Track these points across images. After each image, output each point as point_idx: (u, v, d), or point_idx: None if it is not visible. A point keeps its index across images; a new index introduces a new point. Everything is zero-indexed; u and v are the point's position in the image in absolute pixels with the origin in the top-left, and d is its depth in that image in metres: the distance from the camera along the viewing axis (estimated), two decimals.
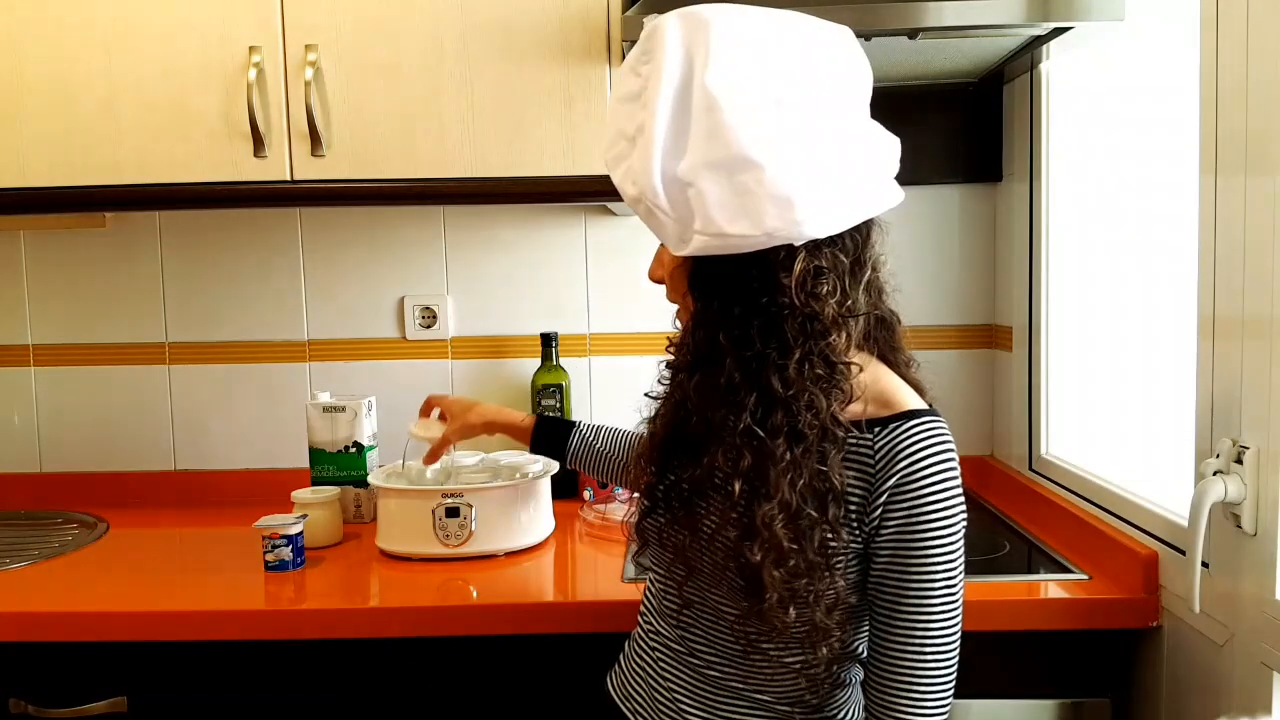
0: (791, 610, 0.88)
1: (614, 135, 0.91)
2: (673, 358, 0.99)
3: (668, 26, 0.86)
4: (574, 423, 1.40)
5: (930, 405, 0.95)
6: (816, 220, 0.83)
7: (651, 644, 1.06)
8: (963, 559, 0.90)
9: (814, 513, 0.87)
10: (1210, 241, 1.12)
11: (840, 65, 0.88)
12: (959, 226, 1.88)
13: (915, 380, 0.99)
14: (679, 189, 0.84)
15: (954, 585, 0.89)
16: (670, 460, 0.98)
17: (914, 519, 0.88)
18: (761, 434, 0.87)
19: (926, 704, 0.90)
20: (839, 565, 0.90)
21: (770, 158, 0.81)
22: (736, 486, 0.88)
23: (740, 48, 0.84)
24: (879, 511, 0.89)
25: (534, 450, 1.42)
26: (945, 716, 0.92)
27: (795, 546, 0.87)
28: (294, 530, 1.43)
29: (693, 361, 0.93)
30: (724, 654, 0.99)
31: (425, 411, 1.49)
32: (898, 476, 0.88)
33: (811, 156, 0.83)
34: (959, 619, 0.90)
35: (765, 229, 0.82)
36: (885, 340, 0.99)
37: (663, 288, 1.00)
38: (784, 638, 0.93)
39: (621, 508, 1.68)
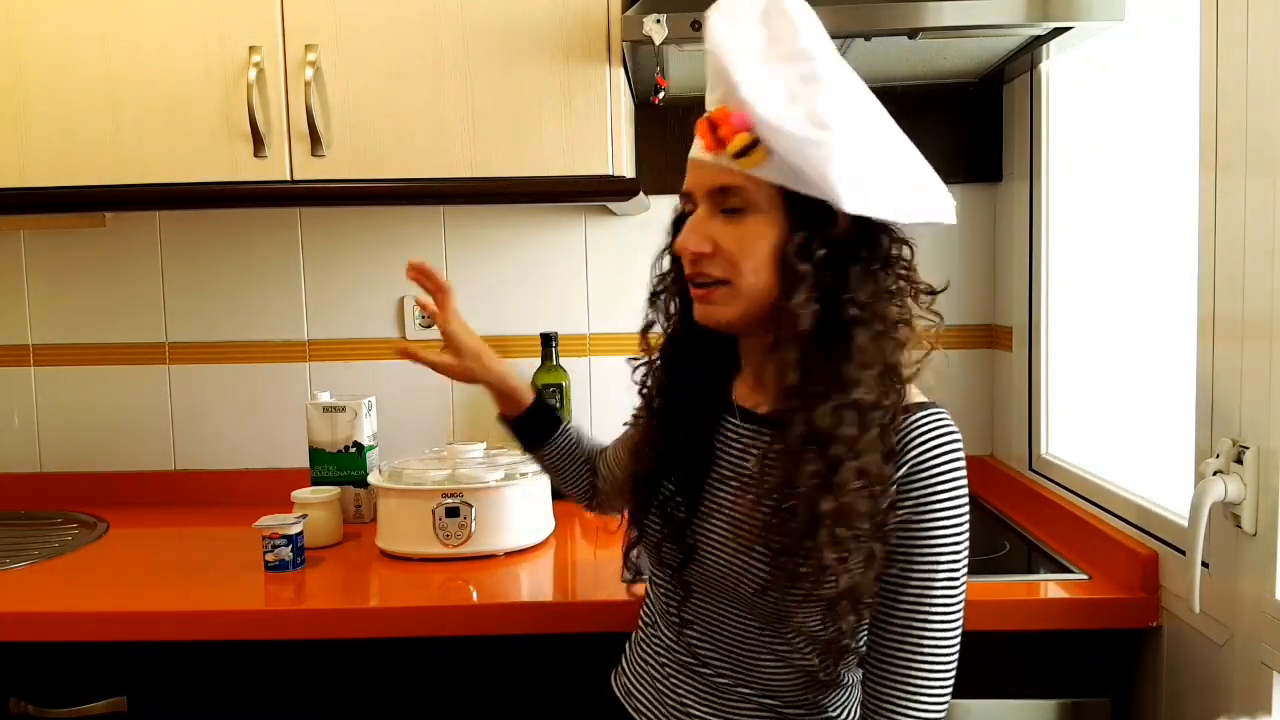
0: (830, 554, 0.88)
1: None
2: (647, 357, 1.03)
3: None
4: (563, 419, 1.30)
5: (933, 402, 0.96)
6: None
7: (655, 649, 1.07)
8: (966, 556, 0.92)
9: (877, 472, 0.89)
10: (1210, 241, 1.12)
11: None
12: (959, 226, 1.85)
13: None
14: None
15: (956, 578, 0.91)
16: (660, 480, 1.00)
17: (921, 507, 0.90)
18: (871, 401, 0.89)
19: (920, 700, 0.90)
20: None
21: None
22: (841, 451, 0.88)
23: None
24: (888, 501, 0.90)
25: (515, 424, 1.29)
26: (941, 716, 0.92)
27: (862, 510, 0.88)
28: (294, 530, 1.43)
29: (803, 335, 0.90)
30: (732, 661, 1.00)
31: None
32: (908, 466, 0.90)
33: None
34: (959, 616, 0.91)
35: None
36: None
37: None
38: (808, 607, 0.92)
39: None
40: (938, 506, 0.90)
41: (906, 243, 0.94)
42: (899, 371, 0.91)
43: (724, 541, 0.98)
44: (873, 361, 0.89)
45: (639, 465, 1.04)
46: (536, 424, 1.29)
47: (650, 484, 1.02)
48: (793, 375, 0.90)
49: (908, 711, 0.91)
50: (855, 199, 0.86)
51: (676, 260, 1.01)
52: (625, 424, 1.19)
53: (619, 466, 1.22)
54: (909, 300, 0.93)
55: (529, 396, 1.28)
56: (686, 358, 1.04)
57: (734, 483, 0.99)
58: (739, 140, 0.89)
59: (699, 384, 1.03)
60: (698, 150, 0.94)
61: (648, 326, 1.07)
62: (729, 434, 1.02)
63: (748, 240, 0.92)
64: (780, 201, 0.90)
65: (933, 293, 0.95)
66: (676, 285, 1.04)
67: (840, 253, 0.89)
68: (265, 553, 1.43)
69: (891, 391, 0.90)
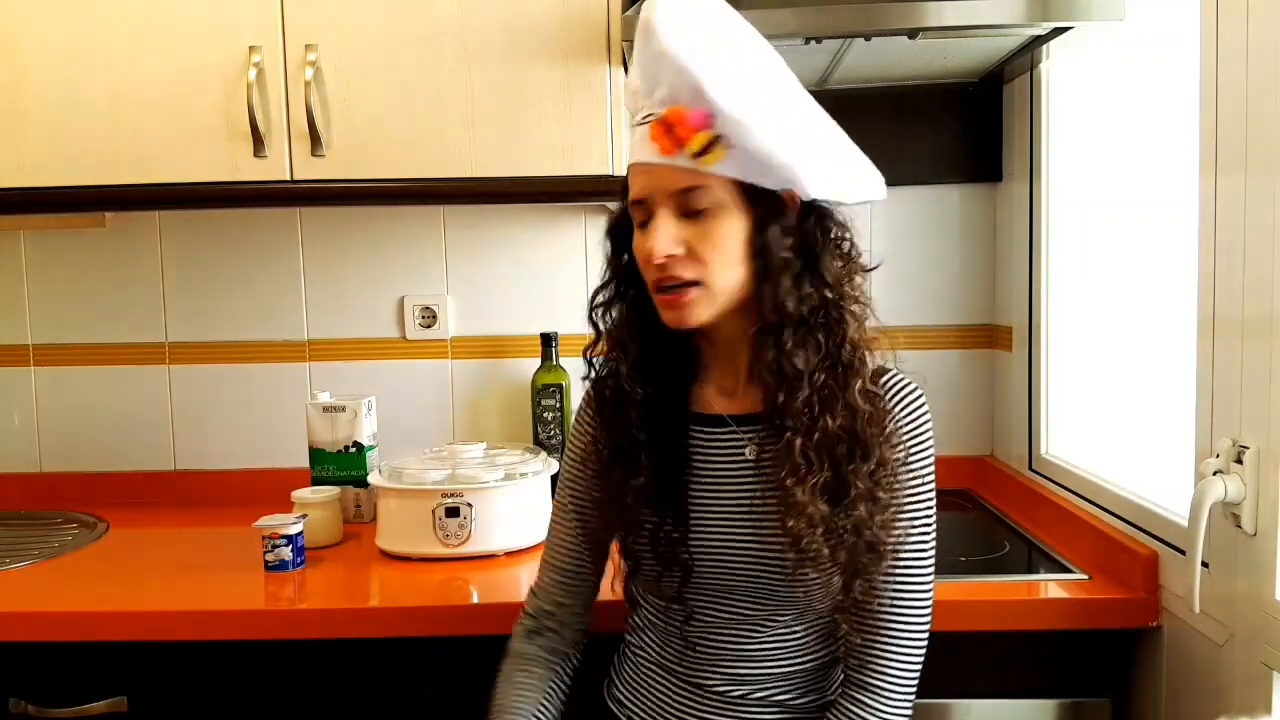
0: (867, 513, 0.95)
1: None
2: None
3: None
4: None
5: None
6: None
7: (651, 666, 1.07)
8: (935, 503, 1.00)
9: (866, 433, 0.96)
10: (1210, 241, 1.12)
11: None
12: (959, 226, 1.87)
13: None
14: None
15: (930, 525, 0.99)
16: (641, 511, 0.99)
17: (907, 460, 0.98)
18: (853, 372, 0.95)
19: (910, 643, 0.97)
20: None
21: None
22: (835, 419, 0.94)
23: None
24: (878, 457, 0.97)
25: None
26: (922, 655, 0.99)
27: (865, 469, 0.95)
28: (294, 530, 1.43)
29: (778, 324, 0.93)
30: (742, 666, 1.01)
31: None
32: (891, 423, 0.97)
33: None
34: (932, 563, 0.99)
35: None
36: None
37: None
38: (827, 578, 0.96)
39: None
40: (916, 458, 0.98)
41: (845, 223, 0.98)
42: (866, 343, 0.96)
43: (725, 545, 0.98)
44: (850, 336, 0.95)
45: (617, 503, 1.02)
46: None
47: (631, 519, 1.01)
48: (788, 360, 0.92)
49: (894, 655, 0.97)
50: (815, 183, 0.92)
51: (625, 270, 1.01)
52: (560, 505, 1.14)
53: (571, 573, 1.13)
54: (856, 277, 0.98)
55: None
56: (642, 376, 1.01)
57: (722, 488, 1.00)
58: (699, 139, 0.89)
59: (659, 403, 1.01)
60: (648, 154, 0.92)
61: (594, 344, 1.05)
62: (702, 442, 1.02)
63: (718, 238, 0.93)
64: (740, 195, 0.92)
65: (865, 270, 1.00)
66: (625, 295, 1.02)
67: (804, 238, 0.94)
68: (265, 553, 1.43)
69: (862, 361, 0.96)
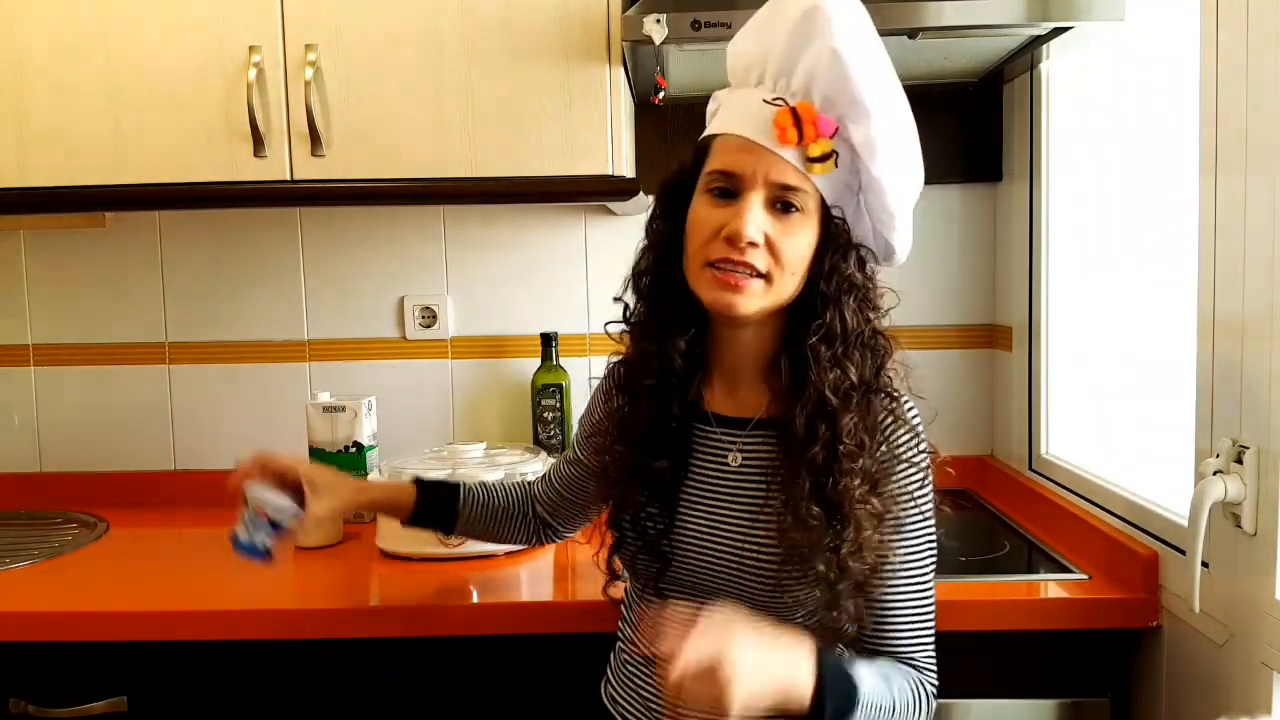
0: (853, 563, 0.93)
1: None
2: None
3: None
4: (459, 484, 1.27)
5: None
6: None
7: (638, 660, 1.07)
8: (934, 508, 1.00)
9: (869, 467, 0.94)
10: (1210, 241, 1.12)
11: None
12: (959, 226, 1.87)
13: None
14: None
15: (933, 545, 0.99)
16: (635, 489, 1.00)
17: (903, 487, 0.96)
18: (872, 393, 0.95)
19: (923, 628, 0.98)
20: None
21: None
22: (869, 441, 0.94)
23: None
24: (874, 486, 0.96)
25: (416, 521, 1.25)
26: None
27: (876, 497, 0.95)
28: (282, 518, 1.21)
29: (845, 336, 0.94)
30: None
31: (263, 473, 1.22)
32: (887, 446, 0.96)
33: None
34: (933, 577, 0.99)
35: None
36: None
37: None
38: (804, 597, 0.96)
39: None
40: (913, 484, 0.96)
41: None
42: (885, 370, 0.96)
43: (706, 546, 0.98)
44: (877, 360, 0.95)
45: (614, 473, 1.03)
46: (437, 506, 1.25)
47: (625, 491, 1.02)
48: (823, 374, 0.93)
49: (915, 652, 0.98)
50: (904, 241, 0.98)
51: (668, 239, 0.99)
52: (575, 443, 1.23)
53: (565, 485, 1.24)
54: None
55: (410, 491, 1.24)
56: (654, 359, 1.01)
57: (712, 488, 0.99)
58: (822, 145, 0.90)
59: (668, 389, 1.01)
60: (762, 136, 0.91)
61: (626, 320, 1.06)
62: (700, 439, 1.02)
63: (797, 240, 0.92)
64: (821, 210, 0.93)
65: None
66: (663, 266, 1.00)
67: (860, 264, 0.95)
68: (238, 525, 1.21)
69: (884, 389, 0.96)
